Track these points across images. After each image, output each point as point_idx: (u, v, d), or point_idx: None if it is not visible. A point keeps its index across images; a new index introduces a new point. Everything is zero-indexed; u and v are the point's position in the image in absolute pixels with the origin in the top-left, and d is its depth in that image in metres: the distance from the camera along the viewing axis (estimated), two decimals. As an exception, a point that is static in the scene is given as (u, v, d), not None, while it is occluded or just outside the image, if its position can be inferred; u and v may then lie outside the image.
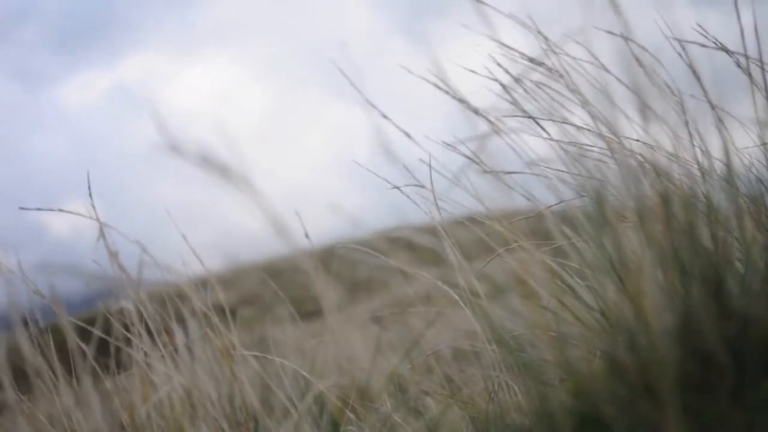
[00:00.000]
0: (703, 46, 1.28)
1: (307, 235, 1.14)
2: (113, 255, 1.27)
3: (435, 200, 1.30)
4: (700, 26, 1.28)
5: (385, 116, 1.19)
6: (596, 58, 1.19)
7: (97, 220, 1.28)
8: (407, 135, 1.23)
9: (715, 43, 1.29)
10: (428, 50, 1.16)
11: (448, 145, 1.30)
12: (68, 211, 1.30)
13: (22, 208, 1.28)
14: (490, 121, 1.19)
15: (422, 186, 1.30)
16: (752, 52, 1.22)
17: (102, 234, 1.27)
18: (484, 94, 1.28)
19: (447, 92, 1.25)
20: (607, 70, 1.15)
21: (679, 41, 1.24)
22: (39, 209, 1.28)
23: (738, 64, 1.26)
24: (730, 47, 1.28)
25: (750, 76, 1.20)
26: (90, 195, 1.29)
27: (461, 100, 1.23)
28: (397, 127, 1.21)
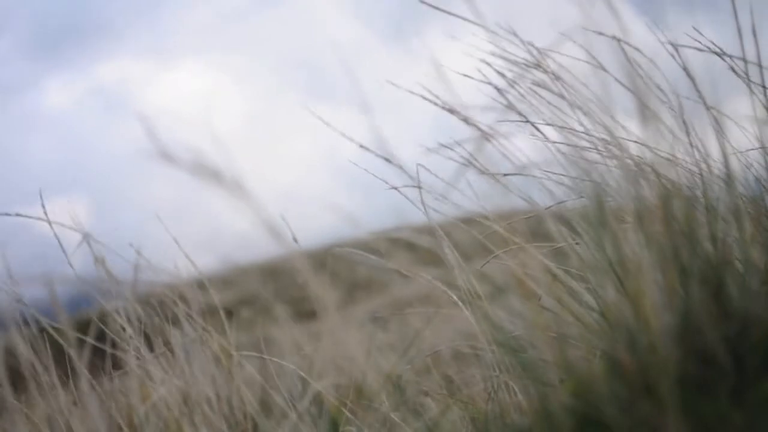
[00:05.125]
0: (698, 50, 1.29)
1: (296, 239, 1.14)
2: (99, 261, 1.26)
3: (431, 201, 1.30)
4: (695, 29, 1.29)
5: (363, 147, 1.19)
6: (594, 60, 1.19)
7: (80, 225, 1.27)
8: (391, 159, 1.23)
9: (709, 48, 1.30)
10: (418, 56, 1.17)
11: (444, 147, 1.30)
12: (55, 218, 1.29)
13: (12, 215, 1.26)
14: (480, 129, 1.19)
15: (419, 187, 1.30)
16: (749, 54, 1.22)
17: (86, 240, 1.26)
18: (478, 98, 1.28)
19: (435, 103, 1.26)
20: (604, 70, 1.15)
21: (673, 45, 1.25)
22: (22, 215, 1.26)
23: (732, 68, 1.27)
24: (726, 50, 1.28)
25: (749, 80, 1.20)
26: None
27: (450, 110, 1.24)
28: (379, 156, 1.21)
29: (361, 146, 1.17)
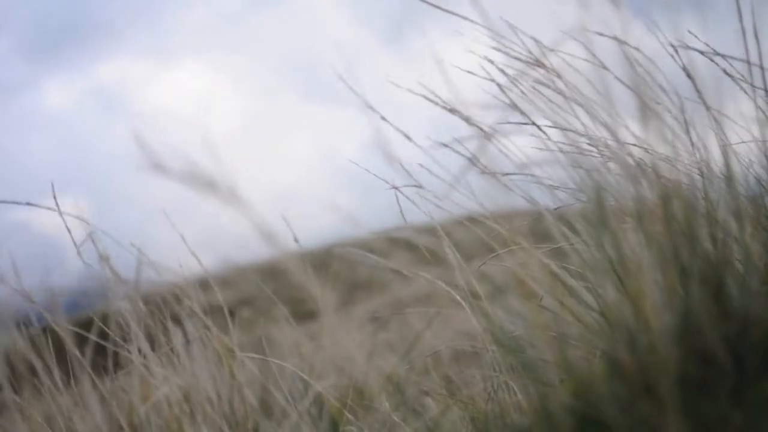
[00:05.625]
0: (701, 52, 1.28)
1: (296, 240, 1.14)
2: (104, 259, 1.26)
3: (431, 201, 1.30)
4: (689, 32, 1.29)
5: (383, 118, 1.19)
6: (595, 58, 1.19)
7: (85, 221, 1.26)
8: (407, 137, 1.23)
9: (702, 51, 1.29)
10: (418, 57, 1.17)
11: (445, 145, 1.30)
12: (64, 212, 1.29)
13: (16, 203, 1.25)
14: (481, 129, 1.19)
15: (419, 186, 1.30)
16: (750, 55, 1.22)
17: (91, 237, 1.26)
18: (479, 96, 1.28)
19: (436, 103, 1.25)
20: (605, 68, 1.15)
21: (673, 46, 1.25)
22: (29, 204, 1.26)
23: (725, 71, 1.27)
24: (727, 50, 1.28)
25: (751, 82, 1.20)
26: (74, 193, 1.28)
27: (452, 110, 1.23)
28: (395, 128, 1.21)
29: (382, 118, 1.16)
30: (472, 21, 1.19)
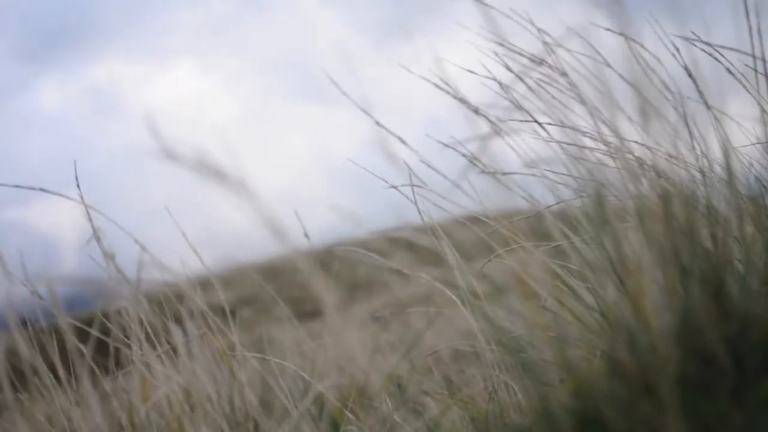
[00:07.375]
0: (707, 45, 1.28)
1: (307, 236, 1.14)
2: (110, 257, 1.26)
3: (431, 200, 1.29)
4: (691, 31, 1.28)
5: (378, 123, 1.18)
6: (598, 56, 1.18)
7: (89, 216, 1.26)
8: (402, 141, 1.23)
9: (704, 49, 1.29)
10: (423, 51, 1.16)
11: (446, 145, 1.29)
12: (71, 198, 1.28)
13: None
14: (490, 121, 1.18)
15: (418, 186, 1.29)
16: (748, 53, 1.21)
17: (96, 235, 1.26)
18: (481, 94, 1.28)
19: (447, 92, 1.25)
20: (609, 66, 1.15)
21: (675, 45, 1.25)
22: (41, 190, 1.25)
23: (729, 71, 1.27)
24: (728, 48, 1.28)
25: (756, 79, 1.20)
26: (79, 187, 1.28)
27: (461, 100, 1.23)
28: (391, 132, 1.20)
29: (377, 123, 1.15)
30: (482, 3, 1.18)
